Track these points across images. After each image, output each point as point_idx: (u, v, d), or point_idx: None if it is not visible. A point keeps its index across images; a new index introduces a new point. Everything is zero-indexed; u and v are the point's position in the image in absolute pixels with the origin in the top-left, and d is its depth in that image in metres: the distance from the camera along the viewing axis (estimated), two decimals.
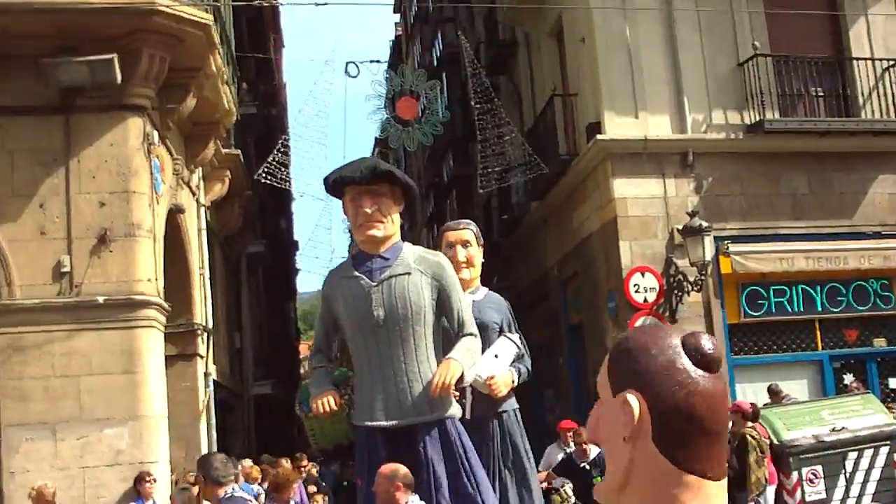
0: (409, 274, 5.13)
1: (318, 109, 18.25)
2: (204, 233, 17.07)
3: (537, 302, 22.55)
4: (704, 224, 16.38)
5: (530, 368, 6.10)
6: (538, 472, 13.24)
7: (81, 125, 12.40)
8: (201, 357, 16.05)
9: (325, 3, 13.08)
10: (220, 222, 20.55)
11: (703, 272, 16.61)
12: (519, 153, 19.57)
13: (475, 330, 5.26)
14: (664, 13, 17.69)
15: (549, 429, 18.98)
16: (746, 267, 17.08)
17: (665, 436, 1.81)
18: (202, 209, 17.19)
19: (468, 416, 5.71)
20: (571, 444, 13.80)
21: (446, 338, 5.28)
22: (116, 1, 12.07)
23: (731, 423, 13.67)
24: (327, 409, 5.03)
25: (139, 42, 12.30)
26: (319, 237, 23.49)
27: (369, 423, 5.10)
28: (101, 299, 12.11)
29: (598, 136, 17.28)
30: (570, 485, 12.29)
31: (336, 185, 5.22)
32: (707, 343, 1.86)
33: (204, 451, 15.67)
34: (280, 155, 18.32)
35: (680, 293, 16.99)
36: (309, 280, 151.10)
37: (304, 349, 78.68)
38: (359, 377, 5.22)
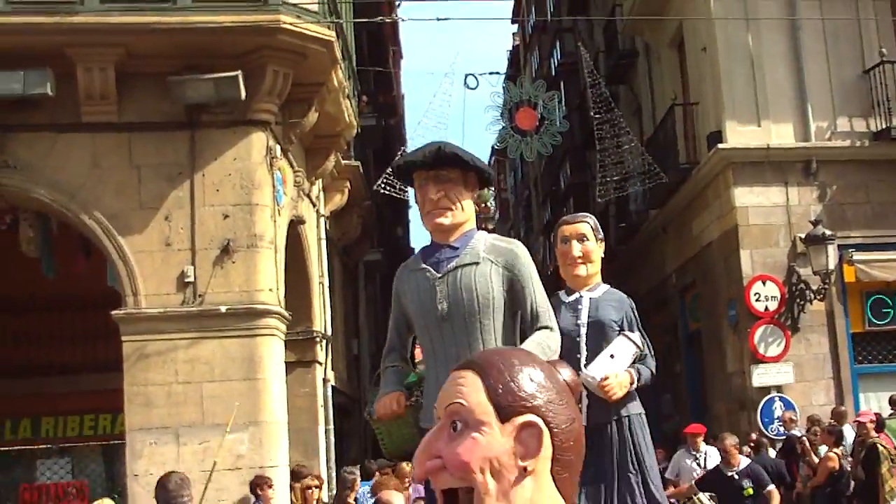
0: (477, 264, 4.64)
1: (436, 121, 18.42)
2: (323, 242, 17.28)
3: (655, 309, 22.40)
4: (828, 232, 16.15)
5: (654, 370, 5.73)
6: (670, 480, 12.54)
7: (206, 140, 12.64)
8: (320, 364, 16.25)
9: (447, 18, 13.29)
10: (338, 232, 20.80)
11: (827, 281, 16.37)
12: (638, 162, 19.49)
13: (552, 323, 4.70)
14: (787, 23, 17.42)
15: (665, 436, 18.87)
16: (871, 275, 16.75)
17: (558, 467, 1.65)
18: (322, 219, 17.41)
19: (584, 422, 5.11)
20: (701, 448, 13.36)
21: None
22: (241, 20, 12.32)
23: (856, 434, 13.43)
24: (390, 411, 4.68)
25: (263, 59, 12.48)
26: None
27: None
28: (223, 309, 12.32)
29: (720, 145, 17.12)
30: (711, 500, 11.14)
31: (402, 171, 4.85)
32: (570, 373, 1.75)
33: (322, 455, 15.90)
34: None
35: (802, 302, 16.76)
36: None
37: (418, 354, 79.51)
38: (427, 376, 4.80)
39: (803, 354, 16.70)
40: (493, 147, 28.01)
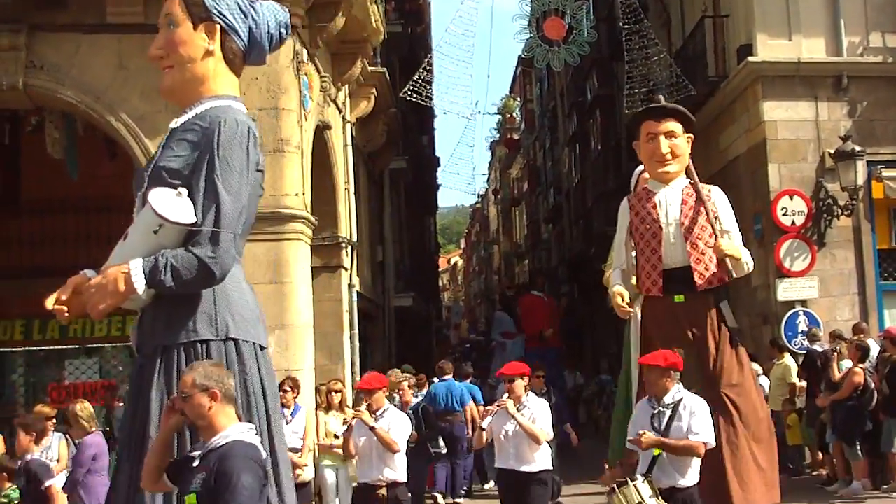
0: None
1: (464, 28, 18.25)
2: (349, 149, 17.26)
3: None
4: (857, 148, 16.05)
5: (208, 258, 3.35)
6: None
7: None
8: (345, 269, 16.32)
9: None
10: (364, 139, 20.76)
11: (855, 197, 16.29)
12: (666, 74, 19.28)
13: None
14: None
15: None
16: None
17: None
18: (348, 126, 17.38)
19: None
20: (672, 393, 7.18)
21: None
22: None
23: (880, 350, 13.48)
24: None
25: None
26: (462, 153, 23.45)
27: None
28: None
29: (749, 58, 16.90)
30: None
31: None
32: None
33: (347, 359, 15.99)
34: (425, 73, 18.42)
35: (829, 217, 16.69)
36: (449, 195, 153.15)
37: (442, 263, 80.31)
38: None
39: (829, 270, 16.65)
40: (519, 56, 27.78)
